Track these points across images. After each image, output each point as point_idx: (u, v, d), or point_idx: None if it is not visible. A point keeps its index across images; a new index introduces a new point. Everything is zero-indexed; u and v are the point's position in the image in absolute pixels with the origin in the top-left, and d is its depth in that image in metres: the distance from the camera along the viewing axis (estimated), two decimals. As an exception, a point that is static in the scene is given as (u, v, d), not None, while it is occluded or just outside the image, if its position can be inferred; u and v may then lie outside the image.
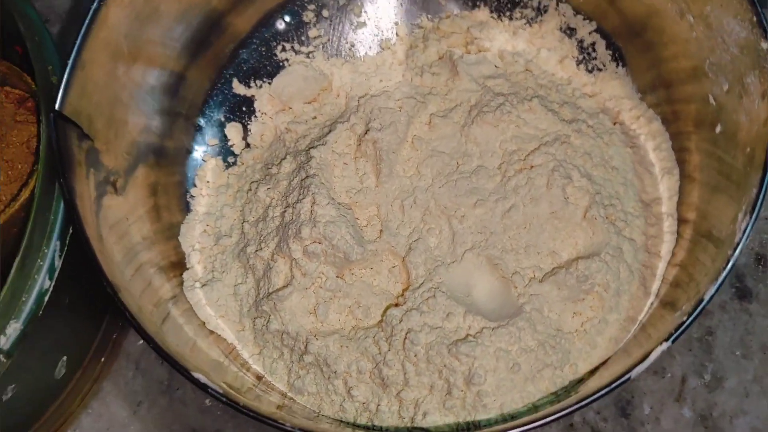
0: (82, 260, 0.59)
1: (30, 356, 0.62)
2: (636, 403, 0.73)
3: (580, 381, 0.65)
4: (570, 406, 0.52)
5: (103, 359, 0.76)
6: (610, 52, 0.79)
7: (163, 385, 0.78)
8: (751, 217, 0.55)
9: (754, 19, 0.60)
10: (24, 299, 0.59)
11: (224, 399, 0.54)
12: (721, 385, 0.73)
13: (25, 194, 0.65)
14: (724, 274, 0.54)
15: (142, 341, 0.78)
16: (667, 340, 0.52)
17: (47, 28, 0.69)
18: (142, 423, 0.77)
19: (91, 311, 0.72)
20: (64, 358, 0.69)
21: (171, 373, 0.78)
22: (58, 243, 0.61)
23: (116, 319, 0.77)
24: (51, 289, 0.61)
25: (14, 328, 0.58)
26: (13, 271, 0.57)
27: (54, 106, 0.60)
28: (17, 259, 0.57)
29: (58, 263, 0.61)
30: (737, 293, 0.76)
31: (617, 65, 0.79)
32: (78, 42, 0.62)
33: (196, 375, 0.55)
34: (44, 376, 0.68)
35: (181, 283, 0.73)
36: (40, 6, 0.93)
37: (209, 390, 0.54)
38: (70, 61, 0.61)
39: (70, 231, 0.62)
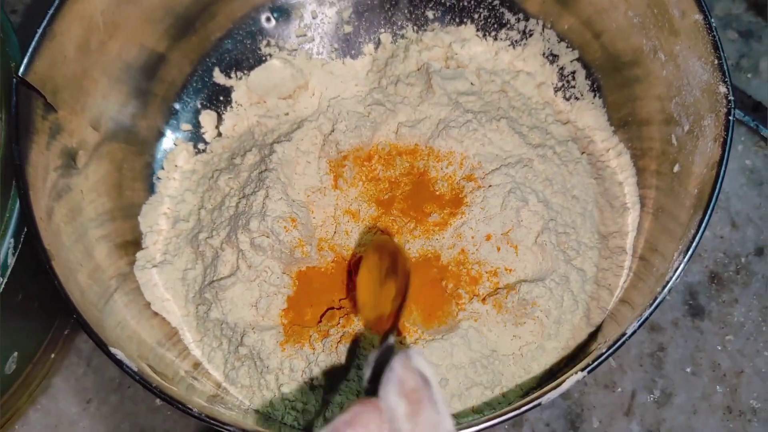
0: (36, 259, 0.58)
1: None
2: (585, 417, 0.73)
3: (509, 404, 0.65)
4: (479, 423, 0.52)
5: (53, 355, 0.76)
6: (589, 83, 0.79)
7: (114, 383, 0.77)
8: (684, 257, 0.55)
9: (716, 62, 0.60)
10: None
11: (138, 377, 0.54)
12: (670, 401, 0.73)
13: None
14: (648, 311, 0.53)
15: None
16: (583, 369, 0.52)
17: (10, 20, 0.68)
18: (91, 420, 0.76)
19: (44, 307, 0.71)
20: (15, 354, 0.68)
21: (122, 372, 0.77)
22: (12, 241, 0.62)
23: (68, 316, 0.76)
24: (2, 285, 0.60)
25: None
26: None
27: (17, 73, 0.61)
28: None
29: (11, 261, 0.61)
30: (690, 311, 0.76)
31: (594, 96, 0.79)
32: (50, 12, 0.63)
33: (113, 351, 0.55)
34: None
35: (132, 263, 0.73)
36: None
37: (124, 367, 0.54)
38: (40, 30, 0.62)
39: (24, 230, 0.62)
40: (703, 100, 0.62)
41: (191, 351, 0.71)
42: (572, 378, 0.52)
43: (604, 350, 0.53)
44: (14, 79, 0.61)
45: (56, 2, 0.64)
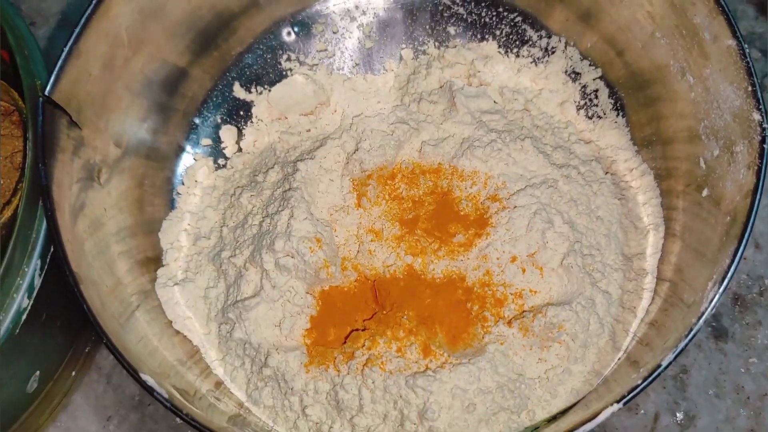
0: (60, 276, 0.58)
1: (4, 372, 0.61)
2: None
3: (536, 429, 0.64)
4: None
5: (74, 373, 0.75)
6: (612, 101, 0.79)
7: (135, 401, 0.77)
8: (719, 288, 0.55)
9: (749, 89, 0.59)
10: (1, 318, 0.58)
11: (169, 404, 0.54)
12: (694, 424, 0.73)
13: (7, 213, 0.64)
14: (684, 342, 0.53)
15: None
16: (618, 401, 0.52)
17: (33, 34, 0.68)
18: (111, 438, 0.75)
19: (66, 325, 0.71)
20: (37, 372, 0.68)
21: (143, 389, 0.76)
22: (38, 262, 0.61)
23: (89, 332, 0.76)
24: (29, 308, 0.60)
25: None
26: None
27: (44, 91, 0.60)
28: None
29: (37, 282, 0.61)
30: (713, 332, 0.76)
31: (617, 115, 0.79)
32: (76, 31, 0.63)
33: (145, 377, 0.54)
34: (16, 391, 0.67)
35: (154, 280, 0.73)
36: (27, 8, 0.93)
37: (155, 394, 0.54)
38: (66, 49, 0.62)
39: (51, 250, 0.61)
40: (735, 126, 0.61)
41: (213, 370, 0.71)
42: (608, 410, 0.52)
43: (639, 382, 0.52)
44: (40, 98, 0.61)
45: (82, 20, 0.64)
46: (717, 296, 0.55)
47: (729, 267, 0.55)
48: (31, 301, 0.59)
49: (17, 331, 0.59)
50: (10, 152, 0.64)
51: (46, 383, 0.71)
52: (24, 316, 0.59)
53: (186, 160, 0.80)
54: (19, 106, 0.65)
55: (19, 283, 0.59)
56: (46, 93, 0.61)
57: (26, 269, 0.59)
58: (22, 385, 0.66)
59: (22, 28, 0.66)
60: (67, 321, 0.69)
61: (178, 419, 0.74)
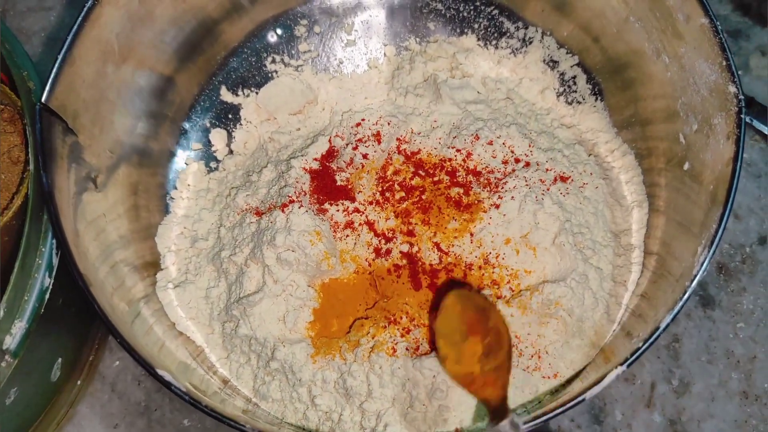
0: (74, 281, 0.59)
1: (31, 357, 0.61)
2: (608, 410, 0.75)
3: (539, 402, 0.66)
4: (527, 423, 0.53)
5: (79, 382, 0.75)
6: (590, 87, 0.82)
7: (141, 407, 0.77)
8: (709, 252, 0.57)
9: (724, 63, 0.62)
10: (26, 298, 0.59)
11: (187, 398, 0.54)
12: (689, 390, 0.76)
13: (17, 202, 0.64)
14: (680, 304, 0.56)
15: (118, 362, 0.78)
16: (622, 364, 0.54)
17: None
18: (119, 446, 0.75)
19: (81, 312, 0.71)
20: (60, 359, 0.69)
21: (148, 395, 0.77)
22: (54, 241, 0.62)
23: (92, 340, 0.76)
24: (50, 287, 0.61)
25: (19, 327, 0.58)
26: (15, 270, 0.57)
27: (40, 99, 0.61)
28: (18, 259, 0.58)
29: (55, 261, 0.62)
30: (701, 301, 0.79)
31: (596, 99, 0.81)
32: (69, 38, 0.64)
33: (161, 373, 0.55)
34: (42, 379, 0.67)
35: (154, 283, 0.73)
36: (8, 26, 0.92)
37: (173, 388, 0.55)
38: (60, 56, 0.63)
39: None
40: (712, 100, 0.64)
41: (218, 369, 0.71)
42: (613, 373, 0.54)
43: (640, 344, 0.55)
44: (37, 106, 0.61)
45: (74, 27, 0.64)
46: (707, 260, 0.57)
47: (716, 231, 0.58)
48: (52, 280, 0.60)
49: (42, 310, 0.60)
50: (7, 148, 0.64)
51: (69, 374, 0.71)
52: (47, 296, 0.60)
53: (178, 164, 0.81)
54: (12, 100, 0.66)
55: (38, 263, 0.60)
56: (43, 100, 0.62)
57: (43, 249, 0.60)
58: (46, 372, 0.66)
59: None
60: (82, 306, 0.70)
61: (186, 421, 0.75)
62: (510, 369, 0.59)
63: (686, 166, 0.68)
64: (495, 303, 0.69)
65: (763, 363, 0.76)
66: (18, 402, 0.62)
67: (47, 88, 0.62)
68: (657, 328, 0.55)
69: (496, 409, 0.57)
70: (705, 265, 0.57)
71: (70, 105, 0.65)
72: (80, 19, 0.64)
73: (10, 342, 0.57)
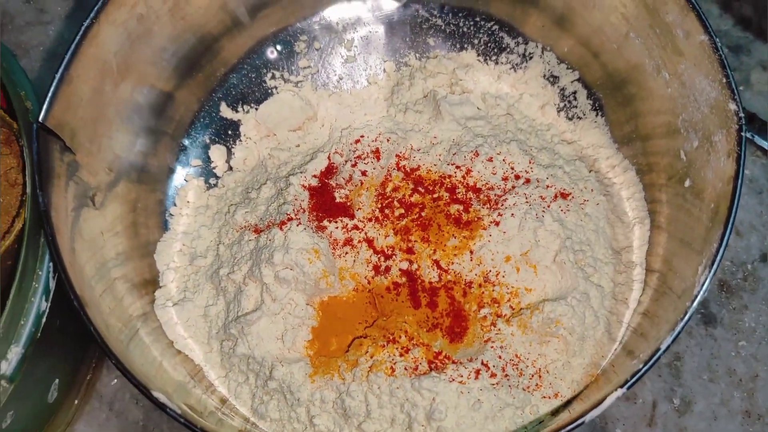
0: (69, 302, 0.59)
1: (27, 381, 0.61)
2: (610, 429, 0.75)
3: (540, 422, 0.65)
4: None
5: (76, 402, 0.75)
6: (591, 102, 0.81)
7: (139, 426, 0.76)
8: (710, 272, 0.57)
9: (724, 80, 0.62)
10: (23, 322, 0.59)
11: (182, 420, 0.54)
12: (691, 409, 0.75)
13: (18, 225, 0.64)
14: (681, 325, 0.55)
15: (115, 381, 0.77)
16: (622, 386, 0.53)
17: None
18: (117, 466, 0.75)
19: (78, 333, 0.71)
20: (57, 381, 0.68)
21: (146, 414, 0.76)
22: (50, 265, 0.62)
23: (89, 360, 0.76)
24: (47, 310, 0.61)
25: (15, 352, 0.58)
26: (11, 295, 0.57)
27: (37, 119, 0.61)
28: (15, 283, 0.57)
29: (52, 284, 0.62)
30: (703, 319, 0.79)
31: (597, 115, 0.81)
32: (67, 57, 0.64)
33: (156, 394, 0.55)
34: (39, 401, 0.67)
35: (153, 301, 0.73)
36: (7, 41, 0.93)
37: (168, 410, 0.54)
38: (57, 75, 0.63)
39: None
40: (712, 117, 0.64)
41: (217, 387, 0.71)
42: (613, 395, 0.53)
43: (640, 366, 0.54)
44: (34, 125, 0.61)
45: (72, 46, 0.64)
46: (708, 280, 0.57)
47: (717, 251, 0.57)
48: (49, 304, 0.60)
49: (39, 335, 0.59)
50: (4, 170, 0.64)
51: (66, 395, 0.71)
52: (44, 320, 0.60)
53: (177, 181, 0.81)
54: (7, 122, 0.65)
55: (35, 287, 0.60)
56: (40, 119, 0.61)
57: (40, 273, 0.60)
58: (44, 394, 0.66)
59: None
60: (79, 327, 0.69)
61: (184, 439, 0.74)
62: None
63: (687, 183, 0.68)
64: (495, 321, 0.68)
65: (766, 381, 0.75)
66: (14, 425, 0.62)
67: (44, 107, 0.62)
68: (658, 349, 0.55)
69: None
70: (706, 285, 0.56)
71: (68, 124, 0.65)
72: (78, 38, 0.64)
73: (7, 367, 0.56)
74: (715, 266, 0.57)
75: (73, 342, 0.70)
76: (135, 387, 0.54)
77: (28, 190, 0.60)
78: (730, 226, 0.58)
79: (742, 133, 0.60)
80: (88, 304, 0.58)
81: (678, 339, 0.75)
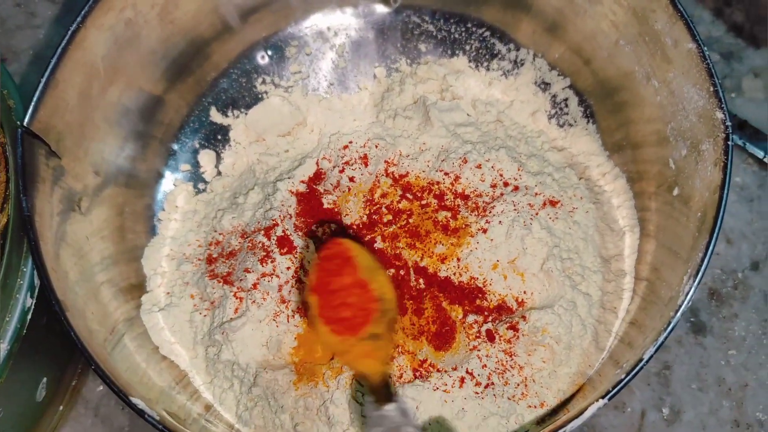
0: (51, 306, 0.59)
1: (15, 377, 0.61)
2: None
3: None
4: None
5: (61, 407, 0.75)
6: (582, 109, 0.81)
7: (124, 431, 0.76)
8: (695, 281, 0.56)
9: (712, 89, 0.62)
10: (8, 319, 0.59)
11: (160, 426, 0.54)
12: (680, 419, 0.75)
13: (2, 221, 0.63)
14: (664, 335, 0.55)
15: (101, 387, 0.77)
16: (603, 397, 0.53)
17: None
18: (102, 471, 0.74)
19: (65, 332, 0.70)
20: (45, 379, 0.68)
21: (132, 420, 0.76)
22: None
23: (75, 365, 0.76)
24: (33, 307, 0.61)
25: (1, 348, 0.58)
26: None
27: (23, 123, 0.61)
28: None
29: (37, 281, 0.61)
30: (692, 328, 0.78)
31: (588, 122, 0.81)
32: (53, 61, 0.63)
33: (134, 401, 0.54)
34: (27, 400, 0.67)
35: (139, 306, 0.73)
36: None
37: (146, 416, 0.54)
38: (43, 80, 0.62)
39: None
40: (700, 125, 0.63)
41: (202, 393, 0.71)
42: (594, 406, 0.53)
43: (623, 376, 0.54)
44: (19, 129, 0.61)
45: (58, 50, 0.64)
46: (692, 289, 0.56)
47: (702, 260, 0.57)
48: (34, 300, 0.60)
49: (24, 331, 0.59)
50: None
51: (55, 393, 0.71)
52: (29, 316, 0.60)
53: (165, 186, 0.80)
54: None
55: (20, 284, 0.60)
56: (25, 124, 0.61)
57: (24, 269, 0.60)
58: (32, 393, 0.66)
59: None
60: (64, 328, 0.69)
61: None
62: (393, 342, 0.53)
63: (676, 192, 0.68)
64: (481, 329, 0.68)
65: (755, 391, 0.75)
66: (3, 423, 0.61)
67: (30, 111, 0.62)
68: (641, 360, 0.54)
69: (377, 388, 0.52)
70: (691, 294, 0.56)
71: (54, 128, 0.64)
72: (64, 42, 0.64)
73: None
74: (700, 275, 0.56)
75: (62, 339, 0.69)
76: (114, 392, 0.54)
77: (11, 189, 0.60)
78: (715, 235, 0.57)
79: (729, 142, 0.59)
80: (70, 309, 0.58)
81: (667, 348, 0.75)
